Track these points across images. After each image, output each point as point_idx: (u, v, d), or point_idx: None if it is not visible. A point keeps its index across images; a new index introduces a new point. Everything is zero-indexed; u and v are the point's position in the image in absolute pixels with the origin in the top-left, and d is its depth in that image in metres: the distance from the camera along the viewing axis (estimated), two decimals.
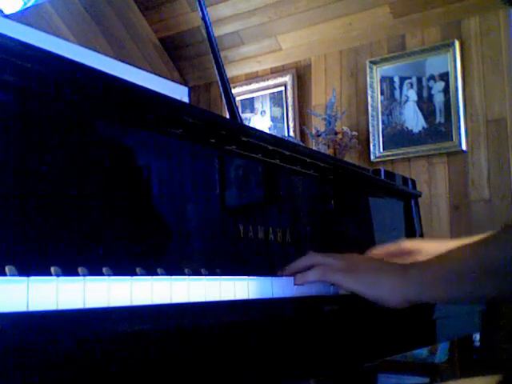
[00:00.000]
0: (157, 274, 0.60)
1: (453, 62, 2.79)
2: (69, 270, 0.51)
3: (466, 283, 0.70)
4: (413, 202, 1.35)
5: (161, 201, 0.71)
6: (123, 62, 3.20)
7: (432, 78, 2.86)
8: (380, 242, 1.18)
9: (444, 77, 2.82)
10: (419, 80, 2.89)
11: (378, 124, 3.00)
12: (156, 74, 3.47)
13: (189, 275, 0.60)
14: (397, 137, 2.94)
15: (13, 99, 0.54)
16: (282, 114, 3.34)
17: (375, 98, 3.01)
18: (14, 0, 2.60)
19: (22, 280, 0.41)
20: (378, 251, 0.98)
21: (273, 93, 3.38)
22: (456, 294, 0.72)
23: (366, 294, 0.73)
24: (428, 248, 0.98)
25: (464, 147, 2.74)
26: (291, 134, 3.25)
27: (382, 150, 2.98)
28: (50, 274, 0.49)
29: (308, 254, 0.77)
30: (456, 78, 2.78)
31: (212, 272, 0.68)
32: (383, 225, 1.24)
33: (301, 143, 2.88)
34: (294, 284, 0.71)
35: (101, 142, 0.65)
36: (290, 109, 3.31)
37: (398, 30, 3.00)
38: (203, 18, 1.07)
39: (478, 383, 0.86)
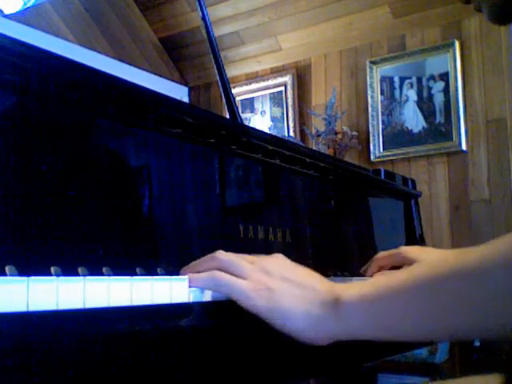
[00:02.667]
0: (157, 274, 0.60)
1: (453, 61, 2.79)
2: (69, 270, 0.51)
3: (433, 317, 0.51)
4: (413, 202, 1.35)
5: (161, 201, 0.71)
6: (123, 61, 3.20)
7: (432, 77, 2.86)
8: (380, 242, 1.18)
9: (444, 77, 2.82)
10: (419, 80, 2.89)
11: (378, 124, 3.00)
12: (156, 73, 3.47)
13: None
14: (397, 137, 2.94)
15: (13, 99, 0.54)
16: (282, 113, 3.34)
17: (375, 98, 3.01)
18: (14, 0, 2.60)
19: (22, 280, 0.41)
20: (382, 256, 0.96)
21: (273, 93, 3.38)
22: (421, 331, 0.54)
23: (273, 320, 0.55)
24: (429, 258, 0.91)
25: (464, 147, 2.74)
26: (291, 134, 3.25)
27: (382, 150, 2.98)
28: (50, 274, 0.49)
29: (215, 252, 0.60)
30: (456, 78, 2.78)
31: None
32: (383, 225, 1.24)
33: (301, 143, 2.88)
34: (189, 286, 0.56)
35: (101, 142, 0.65)
36: (290, 109, 3.31)
37: (398, 29, 3.00)
38: (203, 18, 1.07)
39: (478, 383, 0.85)
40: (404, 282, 0.53)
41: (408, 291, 0.52)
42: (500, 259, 0.47)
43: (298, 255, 0.85)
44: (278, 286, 0.56)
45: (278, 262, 0.61)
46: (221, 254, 0.59)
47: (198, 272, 0.58)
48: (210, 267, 0.58)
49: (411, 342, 0.59)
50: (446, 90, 2.81)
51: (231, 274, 0.57)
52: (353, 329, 0.55)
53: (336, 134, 2.93)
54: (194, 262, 0.60)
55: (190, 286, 0.55)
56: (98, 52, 3.10)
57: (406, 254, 0.94)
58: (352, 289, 0.56)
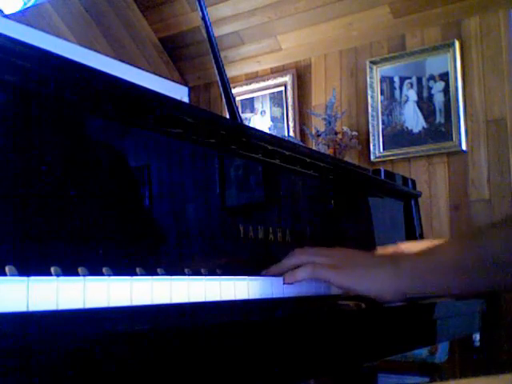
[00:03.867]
0: (157, 274, 0.60)
1: (453, 62, 2.79)
2: (69, 270, 0.51)
3: (461, 275, 0.70)
4: (413, 202, 1.35)
5: (161, 201, 0.71)
6: (123, 62, 3.21)
7: (432, 77, 2.86)
8: (380, 242, 1.18)
9: (444, 77, 2.82)
10: (419, 80, 2.89)
11: (378, 124, 3.00)
12: (156, 74, 3.47)
13: (189, 275, 0.60)
14: (397, 137, 2.94)
15: (13, 99, 0.54)
16: (282, 113, 3.34)
17: (375, 98, 3.01)
18: (14, 0, 2.60)
19: (22, 280, 0.41)
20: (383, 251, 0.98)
21: (273, 93, 3.38)
22: (450, 285, 0.72)
23: (358, 289, 0.71)
24: None
25: (464, 147, 2.74)
26: (291, 133, 3.25)
27: (382, 150, 2.98)
28: (50, 274, 0.49)
29: (294, 251, 0.74)
30: (456, 78, 2.78)
31: (212, 272, 0.68)
32: (383, 225, 1.24)
33: (301, 143, 2.88)
34: (284, 283, 0.68)
35: (101, 142, 0.65)
36: (289, 109, 3.31)
37: (398, 29, 3.00)
38: (203, 18, 1.07)
39: (478, 383, 0.86)
40: (449, 246, 0.74)
41: (454, 252, 0.72)
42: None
43: None
44: (354, 265, 0.73)
45: (344, 250, 0.81)
46: (301, 251, 0.74)
47: (283, 271, 0.71)
48: (294, 263, 0.72)
49: (457, 294, 0.85)
50: (446, 90, 2.81)
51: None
52: (412, 284, 0.71)
53: (336, 134, 2.93)
54: (278, 264, 0.74)
55: (284, 284, 0.69)
56: (98, 52, 3.10)
57: (404, 251, 0.95)
58: (406, 256, 0.77)
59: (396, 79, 2.97)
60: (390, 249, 0.99)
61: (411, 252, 0.79)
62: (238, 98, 3.42)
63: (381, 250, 0.99)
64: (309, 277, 0.70)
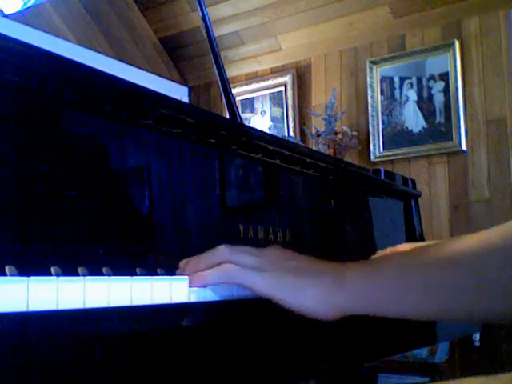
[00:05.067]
0: (157, 274, 0.60)
1: (453, 62, 2.79)
2: (69, 270, 0.51)
3: (430, 297, 0.54)
4: (413, 202, 1.35)
5: (161, 201, 0.71)
6: (123, 62, 3.20)
7: (432, 77, 2.86)
8: (380, 242, 1.18)
9: (444, 77, 2.82)
10: (419, 80, 2.89)
11: (378, 124, 3.00)
12: (156, 74, 3.47)
13: (189, 275, 0.60)
14: (397, 137, 2.94)
15: (13, 99, 0.54)
16: (282, 113, 3.34)
17: (375, 97, 3.01)
18: (14, 0, 2.60)
19: (22, 280, 0.41)
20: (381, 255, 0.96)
21: (273, 93, 3.38)
22: (419, 309, 0.56)
23: (286, 301, 0.57)
24: None
25: (464, 147, 2.74)
26: (291, 133, 3.25)
27: (382, 149, 2.98)
28: (50, 274, 0.49)
29: (216, 247, 0.60)
30: (456, 78, 2.78)
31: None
32: (383, 225, 1.24)
33: (301, 143, 2.88)
34: (190, 286, 0.55)
35: (101, 142, 0.65)
36: (289, 109, 3.31)
37: (398, 29, 3.00)
38: (203, 18, 1.07)
39: (478, 383, 0.85)
40: (398, 262, 0.57)
41: (403, 270, 0.56)
42: (492, 248, 0.51)
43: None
44: (286, 271, 0.58)
45: (279, 251, 0.63)
46: (224, 248, 0.60)
47: (200, 270, 0.58)
48: (213, 262, 0.58)
49: (410, 319, 0.59)
50: (446, 90, 2.81)
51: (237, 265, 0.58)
52: (356, 303, 0.57)
53: (336, 134, 2.93)
54: (191, 260, 0.60)
55: (190, 286, 0.55)
56: (98, 52, 3.10)
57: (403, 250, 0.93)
58: (354, 266, 0.59)
59: (396, 79, 2.97)
60: (387, 251, 0.98)
61: (365, 261, 0.64)
62: (238, 98, 3.42)
63: (378, 254, 0.97)
64: (223, 281, 0.57)
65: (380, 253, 0.98)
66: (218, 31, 3.18)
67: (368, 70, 3.04)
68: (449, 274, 0.53)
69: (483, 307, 0.53)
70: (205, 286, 0.56)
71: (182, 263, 0.61)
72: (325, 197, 1.05)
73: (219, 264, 0.58)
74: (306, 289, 0.57)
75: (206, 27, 1.06)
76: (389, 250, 0.97)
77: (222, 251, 0.59)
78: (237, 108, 1.03)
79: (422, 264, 0.55)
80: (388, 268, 0.57)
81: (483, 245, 0.53)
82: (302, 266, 0.60)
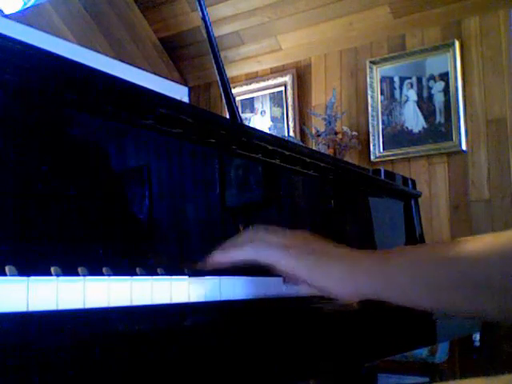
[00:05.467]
0: (157, 274, 0.60)
1: (453, 62, 2.79)
2: (69, 270, 0.51)
3: (437, 291, 0.56)
4: (413, 202, 1.35)
5: (161, 201, 0.71)
6: (123, 62, 3.21)
7: (432, 77, 2.86)
8: (380, 242, 1.18)
9: (444, 77, 2.82)
10: (419, 80, 2.89)
11: (378, 124, 3.00)
12: (156, 74, 3.47)
13: (189, 275, 0.60)
14: (397, 137, 2.94)
15: (13, 99, 0.54)
16: (282, 113, 3.34)
17: (375, 97, 3.01)
18: (14, 0, 2.60)
19: (22, 280, 0.41)
20: None
21: (273, 93, 3.38)
22: (426, 301, 0.58)
23: (309, 278, 0.60)
24: None
25: (464, 147, 2.74)
26: (291, 133, 3.25)
27: (382, 149, 2.98)
28: (50, 274, 0.49)
29: (245, 231, 0.63)
30: (456, 78, 2.78)
31: (212, 272, 0.68)
32: (383, 225, 1.24)
33: (301, 143, 2.88)
34: (214, 262, 0.58)
35: (101, 142, 0.65)
36: (289, 109, 3.31)
37: (397, 29, 3.00)
38: (203, 18, 1.07)
39: (478, 383, 0.85)
40: (410, 255, 0.60)
41: (413, 263, 0.58)
42: (499, 251, 0.52)
43: None
44: (311, 251, 0.61)
45: (305, 233, 0.66)
46: (250, 229, 0.64)
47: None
48: (239, 242, 0.62)
49: (417, 308, 0.63)
50: (446, 90, 2.81)
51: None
52: (373, 287, 0.59)
53: (336, 133, 2.93)
54: (222, 248, 0.62)
55: (214, 262, 0.59)
56: (98, 52, 3.10)
57: None
58: (375, 253, 0.65)
59: (396, 79, 2.97)
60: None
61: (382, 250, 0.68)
62: (238, 98, 3.42)
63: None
64: (247, 257, 0.59)
65: None
66: (217, 31, 3.18)
67: (368, 70, 3.04)
68: (455, 272, 0.55)
69: (486, 306, 0.54)
70: (231, 265, 0.59)
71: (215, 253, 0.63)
72: (325, 197, 1.05)
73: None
74: (330, 269, 0.60)
75: (206, 27, 1.06)
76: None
77: (249, 232, 0.63)
78: (237, 108, 1.03)
79: (431, 260, 0.57)
80: (400, 260, 0.59)
81: (491, 247, 0.54)
82: (326, 248, 0.62)
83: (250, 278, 0.64)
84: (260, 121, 3.42)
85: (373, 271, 0.59)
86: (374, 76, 3.02)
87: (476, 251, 0.54)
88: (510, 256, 0.51)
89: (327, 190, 1.06)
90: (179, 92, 3.55)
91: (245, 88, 3.46)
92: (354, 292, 0.60)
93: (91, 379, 0.43)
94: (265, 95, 3.42)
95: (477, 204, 2.71)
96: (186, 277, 0.56)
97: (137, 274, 0.57)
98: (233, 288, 0.61)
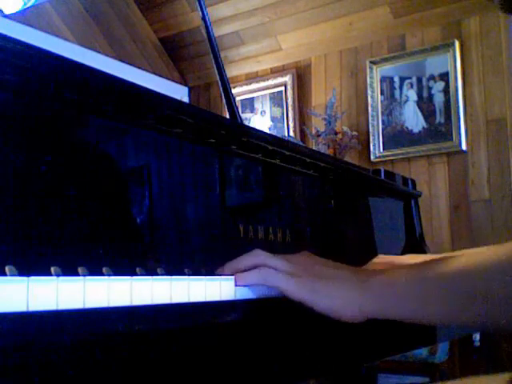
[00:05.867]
0: (157, 274, 0.60)
1: (453, 62, 2.79)
2: (69, 270, 0.51)
3: (446, 305, 0.59)
4: (413, 202, 1.35)
5: (161, 201, 0.71)
6: (123, 61, 3.21)
7: (432, 77, 2.86)
8: (380, 242, 1.18)
9: (444, 77, 2.82)
10: (419, 80, 2.89)
11: (377, 124, 3.00)
12: (156, 74, 3.47)
13: (189, 275, 0.60)
14: (397, 137, 2.94)
15: (13, 99, 0.54)
16: (282, 113, 3.34)
17: (375, 97, 3.01)
18: (14, 0, 2.60)
19: (22, 280, 0.41)
20: (381, 260, 0.96)
21: (273, 93, 3.38)
22: (429, 315, 0.61)
23: (316, 304, 0.62)
24: None
25: (464, 147, 2.74)
26: (291, 133, 3.25)
27: (382, 150, 2.98)
28: (50, 274, 0.49)
29: (253, 251, 0.67)
30: (456, 78, 2.78)
31: (212, 272, 0.68)
32: (383, 225, 1.24)
33: (301, 143, 2.88)
34: (236, 285, 0.62)
35: (101, 142, 0.65)
36: (289, 109, 3.31)
37: (398, 29, 3.00)
38: (203, 18, 1.07)
39: (478, 383, 0.86)
40: (418, 272, 0.63)
41: (422, 281, 0.61)
42: (499, 263, 0.56)
43: None
44: (316, 277, 0.64)
45: (309, 258, 0.69)
46: (260, 252, 0.66)
47: (237, 270, 0.64)
48: (249, 264, 0.65)
49: (425, 324, 0.69)
50: (446, 90, 2.81)
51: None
52: (379, 307, 0.62)
53: (336, 133, 2.93)
54: (230, 263, 0.67)
55: (236, 285, 0.61)
56: (98, 52, 3.10)
57: (401, 262, 0.93)
58: (377, 273, 0.65)
59: (396, 79, 2.97)
60: (387, 258, 0.97)
61: (387, 267, 0.72)
62: (238, 98, 3.42)
63: (377, 260, 0.97)
64: (260, 282, 0.63)
65: (375, 260, 0.97)
66: (217, 31, 3.19)
67: (368, 70, 3.04)
68: (460, 287, 0.58)
69: (491, 317, 0.57)
70: (247, 286, 0.62)
71: (225, 266, 0.67)
72: (325, 197, 1.05)
73: (255, 266, 0.64)
74: (335, 293, 0.63)
75: (206, 27, 1.06)
76: (381, 258, 0.97)
77: (260, 255, 0.66)
78: (237, 108, 1.03)
79: (437, 277, 0.60)
80: (407, 278, 0.62)
81: (491, 260, 0.57)
82: (330, 272, 0.65)
83: None
84: (260, 121, 3.42)
85: (379, 292, 0.62)
86: (374, 76, 3.02)
87: (478, 264, 0.58)
88: (508, 267, 0.55)
89: (327, 189, 1.06)
90: (179, 92, 3.55)
91: (245, 88, 3.46)
92: (359, 313, 0.62)
93: (91, 379, 0.43)
94: (265, 95, 3.42)
95: (477, 204, 2.71)
96: (186, 277, 0.56)
97: (137, 274, 0.57)
98: (233, 289, 0.61)
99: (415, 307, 0.61)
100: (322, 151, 2.76)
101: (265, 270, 0.63)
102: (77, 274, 0.51)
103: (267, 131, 3.17)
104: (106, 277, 0.48)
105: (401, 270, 0.65)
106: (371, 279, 0.63)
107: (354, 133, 2.94)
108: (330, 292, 0.62)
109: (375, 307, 0.62)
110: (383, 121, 2.99)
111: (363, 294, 0.62)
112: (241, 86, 3.47)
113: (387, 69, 3.00)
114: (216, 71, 1.03)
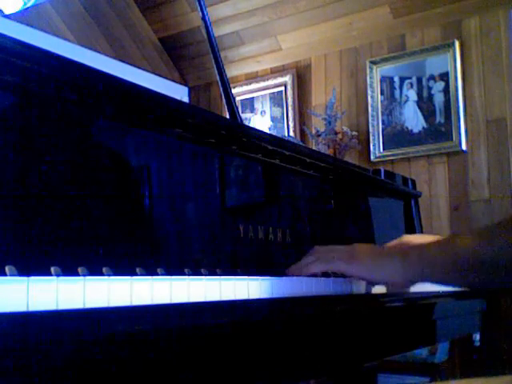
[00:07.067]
0: (157, 274, 0.60)
1: (453, 62, 2.79)
2: (69, 270, 0.51)
3: (462, 270, 0.76)
4: (413, 202, 1.35)
5: (161, 201, 0.71)
6: (123, 61, 3.21)
7: (432, 77, 2.86)
8: (380, 242, 1.18)
9: (444, 77, 2.82)
10: (419, 80, 2.89)
11: (378, 124, 3.00)
12: (156, 73, 3.47)
13: (189, 275, 0.60)
14: (397, 137, 2.94)
15: (13, 99, 0.54)
16: (282, 113, 3.34)
17: (375, 97, 3.01)
18: (14, 0, 2.60)
19: (22, 280, 0.41)
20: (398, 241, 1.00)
21: (273, 93, 3.38)
22: (452, 278, 0.79)
23: (370, 278, 0.80)
24: None
25: (464, 147, 2.74)
26: (291, 134, 3.25)
27: (382, 150, 2.98)
28: (50, 274, 0.49)
29: (312, 249, 0.82)
30: (456, 77, 2.78)
31: (212, 272, 0.68)
32: (383, 225, 1.24)
33: (301, 143, 2.88)
34: (301, 274, 0.76)
35: (101, 142, 0.65)
36: (289, 109, 3.31)
37: (397, 29, 3.00)
38: (203, 18, 1.07)
39: (478, 383, 0.87)
40: (445, 244, 0.80)
41: (449, 250, 0.78)
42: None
43: (298, 255, 0.85)
44: (365, 252, 0.82)
45: (355, 245, 0.85)
46: (316, 248, 0.83)
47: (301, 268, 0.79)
48: (311, 260, 0.80)
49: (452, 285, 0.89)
50: (446, 90, 2.81)
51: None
52: (418, 273, 0.78)
53: (336, 133, 2.93)
54: (297, 263, 0.81)
55: (299, 275, 0.76)
56: (98, 52, 3.10)
57: (407, 240, 0.97)
58: (415, 249, 0.81)
59: (396, 79, 2.97)
60: (395, 242, 1.00)
61: (418, 243, 0.86)
62: (238, 98, 3.42)
63: (388, 244, 0.99)
64: (324, 269, 0.79)
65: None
66: (217, 31, 3.18)
67: (368, 70, 3.04)
68: (473, 256, 0.74)
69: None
70: (311, 275, 0.76)
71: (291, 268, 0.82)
72: (325, 197, 1.05)
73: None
74: (383, 268, 0.79)
75: (206, 27, 1.06)
76: (397, 241, 1.00)
77: (317, 251, 0.82)
78: (237, 108, 1.03)
79: (463, 247, 0.77)
80: (438, 249, 0.79)
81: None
82: (376, 252, 0.84)
83: (250, 278, 0.64)
84: (260, 121, 3.42)
85: (417, 262, 0.78)
86: (374, 76, 3.02)
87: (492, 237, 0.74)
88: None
89: (327, 189, 1.06)
90: (179, 92, 3.55)
91: (245, 88, 3.46)
92: (405, 281, 0.79)
93: (91, 379, 0.43)
94: (265, 95, 3.42)
95: (477, 204, 2.71)
96: (186, 276, 0.56)
97: (137, 274, 0.57)
98: (233, 288, 0.61)
99: (445, 272, 0.77)
100: (322, 151, 2.76)
101: (325, 258, 0.79)
102: (77, 274, 0.51)
103: (267, 131, 3.17)
104: (106, 277, 0.48)
105: (430, 244, 0.81)
106: (410, 253, 0.79)
107: (354, 133, 2.94)
108: (380, 268, 0.79)
109: (415, 273, 0.78)
110: (383, 121, 2.99)
111: (405, 265, 0.78)
112: (241, 85, 3.47)
113: (387, 69, 3.00)
114: (216, 71, 1.03)
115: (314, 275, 0.78)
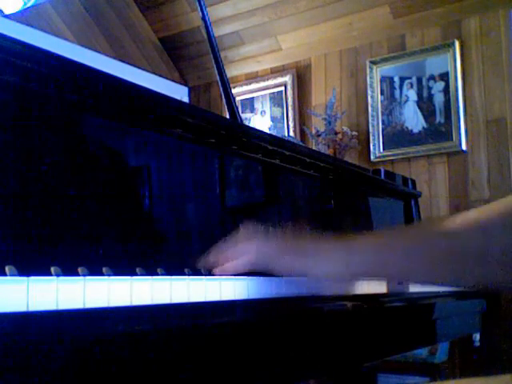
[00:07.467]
0: (157, 274, 0.60)
1: (453, 62, 2.79)
2: (69, 270, 0.51)
3: (429, 264, 0.61)
4: (413, 202, 1.35)
5: (161, 201, 0.71)
6: (123, 61, 3.20)
7: (432, 77, 2.86)
8: None
9: (444, 77, 2.82)
10: (419, 80, 2.89)
11: (377, 124, 3.00)
12: (156, 74, 3.47)
13: (189, 275, 0.60)
14: (397, 137, 2.94)
15: (13, 99, 0.54)
16: (282, 113, 3.34)
17: (375, 98, 3.01)
18: (14, 0, 2.60)
19: (22, 280, 0.41)
20: None
21: (273, 93, 3.38)
22: (413, 274, 0.65)
23: (308, 273, 0.67)
24: None
25: (464, 147, 2.74)
26: (291, 134, 3.25)
27: (382, 150, 2.98)
28: (50, 274, 0.49)
29: (238, 236, 0.69)
30: (456, 78, 2.77)
31: (212, 272, 0.68)
32: (383, 225, 1.24)
33: (301, 143, 2.88)
34: (220, 274, 0.63)
35: (101, 142, 0.65)
36: (289, 109, 3.31)
37: (397, 29, 3.00)
38: (203, 18, 1.07)
39: (478, 383, 0.86)
40: (401, 233, 0.67)
41: (405, 240, 0.64)
42: (494, 218, 0.55)
43: None
44: (302, 245, 0.69)
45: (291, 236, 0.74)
46: (243, 236, 0.68)
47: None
48: (237, 252, 0.66)
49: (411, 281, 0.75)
50: (446, 90, 2.81)
51: None
52: (366, 266, 0.65)
53: (336, 133, 2.93)
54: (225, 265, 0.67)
55: (221, 274, 0.63)
56: (98, 52, 3.10)
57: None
58: (364, 236, 0.70)
59: (396, 79, 2.97)
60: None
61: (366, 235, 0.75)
62: (238, 98, 3.42)
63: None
64: (249, 269, 0.65)
65: None
66: (217, 31, 3.18)
67: (368, 70, 3.04)
68: (453, 245, 0.58)
69: (485, 275, 0.57)
70: (237, 274, 0.64)
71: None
72: (325, 197, 1.05)
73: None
74: (323, 260, 0.66)
75: (206, 27, 1.06)
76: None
77: (243, 241, 0.67)
78: (237, 108, 1.03)
79: (427, 236, 0.62)
80: (391, 240, 0.65)
81: (485, 216, 0.57)
82: (315, 247, 0.69)
83: (251, 278, 0.64)
84: (260, 121, 3.42)
85: (364, 251, 0.65)
86: (374, 76, 3.02)
87: (458, 227, 0.58)
88: (503, 219, 0.54)
89: (327, 189, 1.06)
90: (179, 92, 3.55)
91: (245, 88, 3.46)
92: (346, 272, 0.65)
93: (91, 379, 0.43)
94: (265, 95, 3.42)
95: (477, 204, 2.71)
96: (186, 277, 0.56)
97: (137, 274, 0.57)
98: (233, 288, 0.61)
99: (399, 265, 0.63)
100: (322, 151, 2.76)
101: (254, 254, 0.65)
102: (77, 274, 0.51)
103: (267, 131, 3.17)
104: (106, 277, 0.48)
105: (385, 231, 0.69)
106: (357, 240, 0.67)
107: (354, 133, 2.94)
108: (318, 260, 0.66)
109: (361, 266, 0.65)
110: (383, 121, 2.99)
111: (349, 254, 0.65)
112: (241, 86, 3.47)
113: (387, 69, 3.00)
114: (216, 71, 1.03)
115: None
